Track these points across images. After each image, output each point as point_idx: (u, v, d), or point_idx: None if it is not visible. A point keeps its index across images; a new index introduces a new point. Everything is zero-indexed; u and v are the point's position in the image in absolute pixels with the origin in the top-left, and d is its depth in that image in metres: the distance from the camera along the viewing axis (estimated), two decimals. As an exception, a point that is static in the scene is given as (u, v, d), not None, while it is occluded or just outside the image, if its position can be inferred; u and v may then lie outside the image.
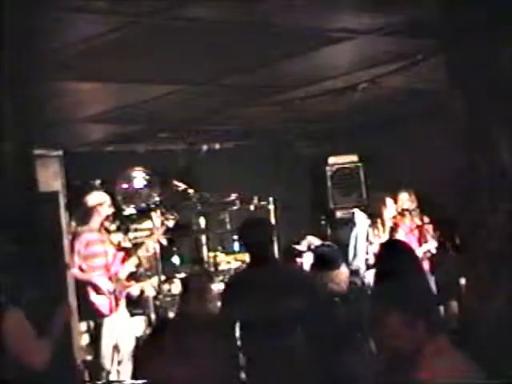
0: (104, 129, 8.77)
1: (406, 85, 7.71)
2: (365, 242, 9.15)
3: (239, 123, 9.46)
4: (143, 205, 9.13)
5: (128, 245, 8.89)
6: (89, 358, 8.15)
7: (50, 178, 8.28)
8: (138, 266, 8.70)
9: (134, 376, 2.39)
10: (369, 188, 10.68)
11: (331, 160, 10.85)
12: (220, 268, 9.36)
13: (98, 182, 9.02)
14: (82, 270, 8.13)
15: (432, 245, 8.87)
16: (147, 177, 9.19)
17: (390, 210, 9.08)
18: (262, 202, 9.60)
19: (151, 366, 2.19)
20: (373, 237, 9.12)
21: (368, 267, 8.87)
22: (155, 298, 8.72)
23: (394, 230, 8.88)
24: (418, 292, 3.82)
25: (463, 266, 6.34)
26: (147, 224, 9.04)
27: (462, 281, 6.68)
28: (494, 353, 4.10)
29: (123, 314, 8.33)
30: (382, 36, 5.78)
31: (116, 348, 8.07)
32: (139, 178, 9.18)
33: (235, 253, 9.59)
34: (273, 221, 9.36)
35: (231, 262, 9.44)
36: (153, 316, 8.61)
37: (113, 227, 8.86)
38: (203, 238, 9.71)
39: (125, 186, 9.16)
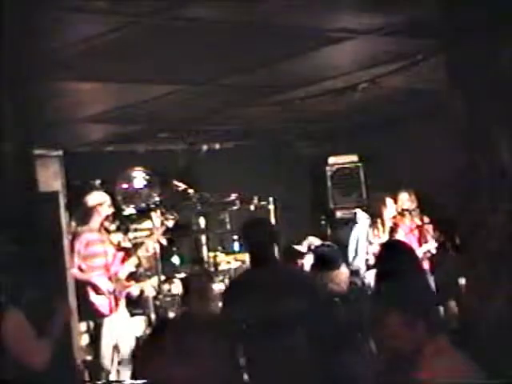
0: (104, 129, 8.77)
1: (406, 85, 7.71)
2: (366, 241, 9.15)
3: (239, 123, 9.46)
4: (143, 205, 9.13)
5: (128, 245, 8.89)
6: (89, 358, 8.15)
7: (50, 178, 8.28)
8: (138, 265, 8.70)
9: (134, 376, 2.39)
10: (369, 188, 10.68)
11: (331, 160, 10.85)
12: (220, 268, 9.36)
13: (97, 182, 9.02)
14: (81, 270, 8.13)
15: (432, 245, 8.87)
16: (147, 177, 9.19)
17: (389, 210, 9.08)
18: (262, 202, 9.60)
19: (151, 366, 2.19)
20: (373, 237, 9.12)
21: (368, 267, 8.87)
22: (155, 298, 8.72)
23: (393, 230, 8.87)
24: (418, 292, 3.82)
25: (463, 265, 6.34)
26: (147, 224, 9.04)
27: (462, 281, 6.69)
28: (493, 353, 4.10)
29: (123, 314, 8.33)
30: (382, 36, 5.78)
31: (116, 348, 8.07)
32: (139, 178, 9.18)
33: (235, 253, 9.59)
34: (273, 221, 9.36)
35: (231, 262, 9.44)
36: (153, 316, 8.61)
37: (113, 227, 8.86)
38: (203, 238, 9.71)
39: (125, 186, 9.16)
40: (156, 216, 8.98)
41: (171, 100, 7.24)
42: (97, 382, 7.73)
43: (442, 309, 8.06)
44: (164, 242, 9.15)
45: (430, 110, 8.55)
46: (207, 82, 6.85)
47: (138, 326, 8.50)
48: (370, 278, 8.32)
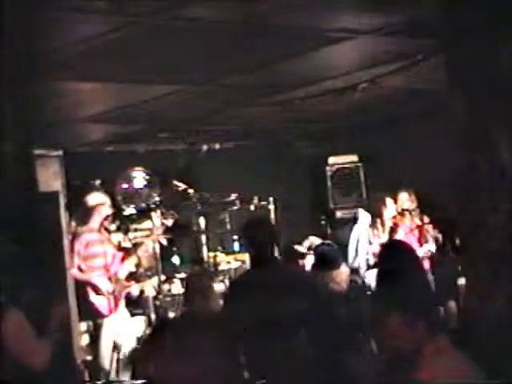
0: (104, 129, 8.77)
1: (406, 85, 7.71)
2: (366, 240, 9.14)
3: (239, 123, 9.46)
4: (143, 205, 9.12)
5: (128, 245, 8.89)
6: (89, 358, 8.15)
7: (50, 177, 8.27)
8: (138, 265, 8.70)
9: (134, 376, 2.39)
10: (369, 188, 10.68)
11: (331, 160, 10.85)
12: (220, 268, 9.35)
13: (97, 182, 9.02)
14: (81, 270, 8.13)
15: (432, 245, 8.86)
16: (147, 177, 9.19)
17: (389, 210, 9.07)
18: (262, 202, 9.59)
19: (151, 366, 2.19)
20: (372, 237, 9.11)
21: (368, 267, 8.86)
22: (155, 298, 8.72)
23: (393, 230, 8.87)
24: (419, 292, 3.82)
25: (463, 265, 6.35)
26: (147, 224, 9.04)
27: (462, 281, 6.68)
28: (493, 353, 4.10)
29: (123, 314, 8.33)
30: (382, 36, 5.78)
31: (116, 348, 8.07)
32: (139, 178, 9.18)
33: (235, 253, 9.58)
34: (273, 221, 9.35)
35: (231, 262, 9.44)
36: (153, 316, 8.61)
37: (113, 227, 8.86)
38: (203, 238, 9.71)
39: (125, 185, 9.16)
40: (156, 216, 8.98)
41: (171, 100, 7.25)
42: (97, 382, 7.73)
43: (442, 309, 8.06)
44: (164, 241, 9.15)
45: (429, 110, 8.55)
46: (207, 82, 6.85)
47: (138, 326, 8.50)
48: (370, 277, 8.32)
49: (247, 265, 9.12)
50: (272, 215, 9.54)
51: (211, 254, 9.54)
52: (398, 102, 8.59)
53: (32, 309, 4.71)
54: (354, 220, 9.68)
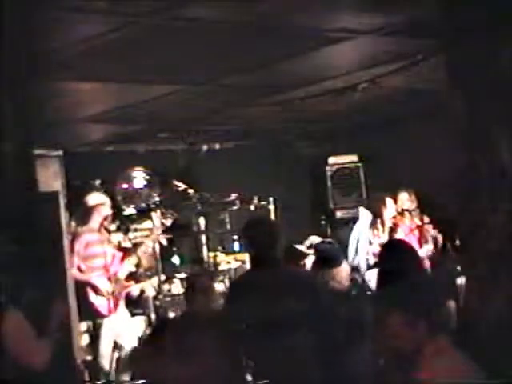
0: (104, 129, 8.77)
1: (406, 85, 7.71)
2: (367, 239, 9.13)
3: (239, 123, 9.46)
4: (143, 205, 9.12)
5: (128, 245, 8.89)
6: (89, 358, 8.15)
7: (50, 177, 8.27)
8: (138, 265, 8.70)
9: (134, 376, 2.39)
10: (369, 188, 10.67)
11: (331, 160, 10.84)
12: (220, 268, 9.35)
13: (97, 182, 9.02)
14: (81, 270, 8.13)
15: (432, 245, 8.86)
16: (147, 177, 9.19)
17: (389, 210, 9.07)
18: (262, 202, 9.59)
19: (151, 366, 2.19)
20: (372, 237, 9.11)
21: (368, 267, 8.86)
22: (155, 298, 8.72)
23: (393, 230, 8.86)
24: (420, 292, 3.82)
25: (463, 265, 6.34)
26: (147, 224, 9.04)
27: (462, 281, 6.68)
28: (493, 353, 4.10)
29: (123, 314, 8.33)
30: (382, 36, 5.78)
31: (116, 348, 8.07)
32: (139, 178, 9.18)
33: (235, 253, 9.58)
34: (274, 220, 9.34)
35: (231, 262, 9.44)
36: (153, 316, 8.61)
37: (113, 227, 8.86)
38: (203, 238, 9.71)
39: (125, 185, 9.16)
40: (156, 216, 8.98)
41: (171, 100, 7.24)
42: (97, 382, 7.73)
43: (441, 309, 8.05)
44: (164, 241, 9.16)
45: (430, 110, 8.55)
46: (207, 82, 6.85)
47: (138, 326, 8.50)
48: (370, 277, 8.31)
49: (247, 265, 9.14)
50: (272, 215, 9.54)
51: (211, 254, 9.54)
52: (398, 102, 8.59)
53: (32, 309, 4.71)
54: (354, 220, 9.68)
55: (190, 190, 9.52)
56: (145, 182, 9.17)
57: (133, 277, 8.61)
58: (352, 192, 10.77)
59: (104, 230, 8.41)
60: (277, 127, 10.00)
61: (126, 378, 7.64)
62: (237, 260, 9.41)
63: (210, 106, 7.90)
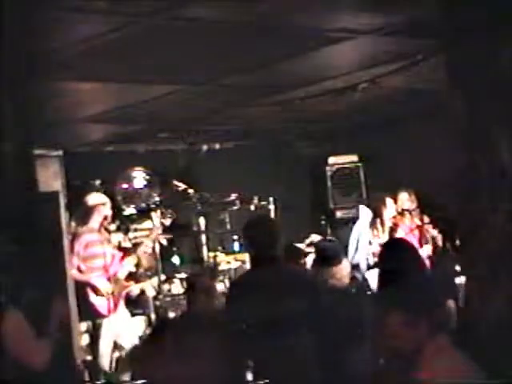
0: (104, 129, 8.78)
1: (406, 85, 7.71)
2: (367, 237, 9.13)
3: (239, 123, 9.46)
4: (143, 205, 9.13)
5: (128, 245, 8.89)
6: (89, 358, 8.15)
7: (50, 177, 8.27)
8: (138, 265, 8.70)
9: (134, 376, 2.39)
10: (369, 188, 10.67)
11: (331, 160, 10.84)
12: (220, 268, 9.36)
13: (97, 182, 9.02)
14: (80, 271, 8.13)
15: (432, 245, 8.86)
16: (147, 177, 9.19)
17: (389, 210, 9.07)
18: (262, 202, 9.59)
19: (151, 366, 2.19)
20: (372, 237, 9.11)
21: (368, 267, 8.86)
22: (155, 298, 8.72)
23: (393, 230, 8.86)
24: (421, 291, 3.81)
25: (463, 265, 6.34)
26: (147, 224, 9.04)
27: (462, 281, 6.68)
28: (494, 353, 4.10)
29: (123, 314, 8.33)
30: (382, 36, 5.78)
31: (116, 348, 8.07)
32: (139, 178, 9.18)
33: (235, 253, 9.58)
34: (274, 220, 9.34)
35: (231, 262, 9.44)
36: (153, 316, 8.61)
37: (113, 227, 8.86)
38: (203, 238, 9.71)
39: (125, 185, 9.16)
40: (156, 216, 8.98)
41: (171, 100, 7.25)
42: (97, 382, 7.73)
43: (441, 309, 8.05)
44: (164, 241, 9.16)
45: (430, 110, 8.55)
46: (207, 82, 6.85)
47: (138, 326, 8.51)
48: (371, 277, 8.31)
49: (247, 265, 9.14)
50: (272, 215, 9.54)
51: (211, 254, 9.54)
52: (398, 101, 8.59)
53: (32, 309, 4.71)
54: (354, 220, 9.68)
55: (190, 190, 9.52)
56: (145, 182, 9.17)
57: (133, 277, 8.61)
58: (352, 192, 10.77)
59: (104, 230, 8.41)
60: (277, 127, 10.00)
61: (126, 377, 7.64)
62: (237, 260, 9.41)
63: (210, 105, 7.90)
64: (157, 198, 9.14)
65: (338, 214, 10.76)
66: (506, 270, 4.25)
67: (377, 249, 8.51)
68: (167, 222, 9.12)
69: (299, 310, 5.17)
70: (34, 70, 4.89)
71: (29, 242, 4.77)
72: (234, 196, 9.58)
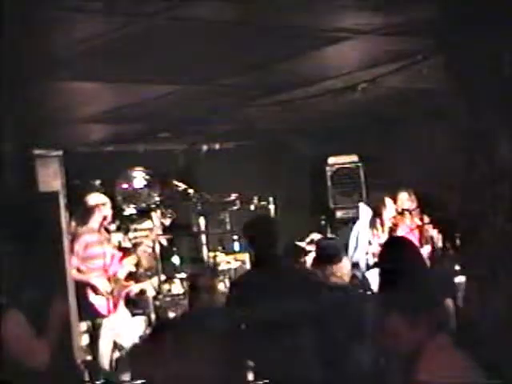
0: (104, 129, 8.77)
1: (406, 85, 7.70)
2: (367, 235, 9.12)
3: (239, 123, 9.46)
4: (143, 205, 9.12)
5: (128, 245, 8.89)
6: (89, 358, 8.15)
7: (50, 177, 8.27)
8: (137, 265, 8.70)
9: (134, 376, 2.39)
10: (369, 188, 10.67)
11: (331, 160, 10.84)
12: (220, 268, 9.35)
13: (97, 182, 9.02)
14: (80, 271, 8.13)
15: (432, 245, 8.85)
16: (147, 177, 9.19)
17: (389, 210, 9.06)
18: (262, 202, 9.59)
19: (151, 366, 2.19)
20: (372, 237, 9.10)
21: (368, 267, 8.85)
22: (155, 298, 8.72)
23: (393, 230, 8.86)
24: (421, 289, 3.81)
25: (463, 265, 6.34)
26: (147, 224, 9.04)
27: (462, 280, 6.68)
28: (494, 353, 4.10)
29: (123, 314, 8.33)
30: (382, 36, 5.78)
31: (116, 348, 8.07)
32: (139, 178, 9.18)
33: (235, 253, 9.58)
34: (275, 220, 9.33)
35: (231, 262, 9.44)
36: (153, 316, 8.61)
37: (113, 227, 8.86)
38: (203, 238, 9.71)
39: (125, 185, 9.16)
40: (156, 216, 8.98)
41: (171, 100, 7.24)
42: (97, 382, 7.73)
43: (441, 308, 8.05)
44: (164, 242, 9.16)
45: (430, 110, 8.55)
46: (207, 82, 6.85)
47: (137, 326, 8.50)
48: (371, 276, 8.30)
49: (247, 265, 9.14)
50: (272, 215, 9.54)
51: (211, 254, 9.54)
52: (398, 102, 8.59)
53: (32, 309, 4.71)
54: (354, 220, 9.67)
55: (190, 190, 9.51)
56: (145, 182, 9.17)
57: (133, 277, 8.60)
58: (352, 192, 10.77)
59: (104, 230, 8.40)
60: (277, 127, 10.00)
61: (125, 377, 7.64)
62: (237, 260, 9.41)
63: (210, 106, 7.90)
64: (157, 198, 9.14)
65: (338, 213, 10.76)
66: (505, 270, 4.26)
67: (376, 249, 8.51)
68: (167, 221, 9.12)
69: (299, 309, 5.18)
70: (34, 70, 4.89)
71: (29, 242, 4.77)
72: (233, 196, 9.57)
